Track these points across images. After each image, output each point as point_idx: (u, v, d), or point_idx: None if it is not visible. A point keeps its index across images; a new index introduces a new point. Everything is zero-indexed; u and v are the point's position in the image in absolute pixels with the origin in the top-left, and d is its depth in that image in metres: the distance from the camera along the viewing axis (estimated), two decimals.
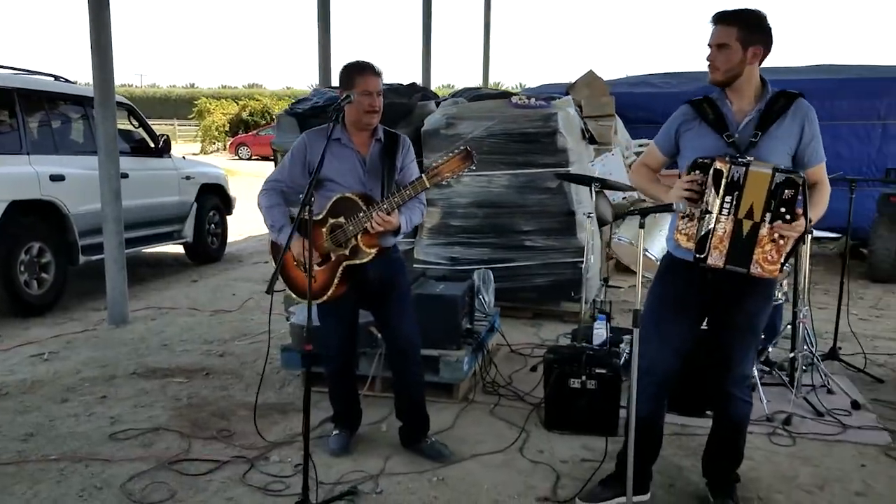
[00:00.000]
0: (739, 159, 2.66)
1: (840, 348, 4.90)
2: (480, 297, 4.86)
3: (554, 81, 11.94)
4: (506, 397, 4.28)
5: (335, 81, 8.71)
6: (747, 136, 2.75)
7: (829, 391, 4.39)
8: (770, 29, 2.77)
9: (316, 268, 3.37)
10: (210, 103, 36.00)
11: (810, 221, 2.66)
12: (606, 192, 6.93)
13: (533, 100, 5.85)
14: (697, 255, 2.74)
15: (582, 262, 5.71)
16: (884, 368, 4.95)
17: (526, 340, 5.41)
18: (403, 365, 3.58)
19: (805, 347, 4.41)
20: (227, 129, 34.31)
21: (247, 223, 10.76)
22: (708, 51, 2.80)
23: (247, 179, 17.03)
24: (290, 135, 6.29)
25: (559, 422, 3.87)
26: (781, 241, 2.62)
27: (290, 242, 3.31)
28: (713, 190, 2.69)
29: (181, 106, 43.10)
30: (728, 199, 2.67)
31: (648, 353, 2.92)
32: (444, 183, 3.16)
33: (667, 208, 2.78)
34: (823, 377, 4.44)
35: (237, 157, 28.75)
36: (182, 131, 36.99)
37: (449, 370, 4.16)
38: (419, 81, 11.33)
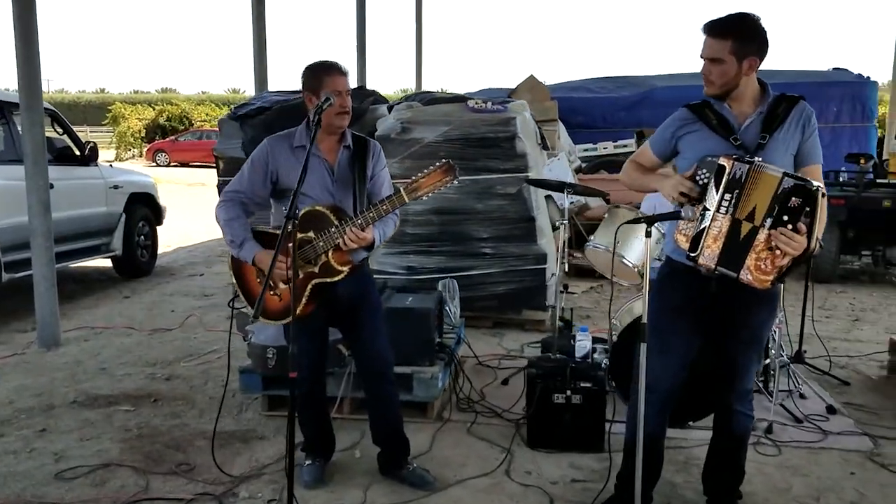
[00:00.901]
0: (745, 157, 2.54)
1: (805, 351, 4.91)
2: (446, 308, 4.65)
3: (493, 86, 11.87)
4: (482, 414, 4.08)
5: (272, 86, 8.44)
6: (752, 138, 2.64)
7: (802, 396, 4.37)
8: (765, 33, 2.65)
9: (282, 286, 3.09)
10: (125, 108, 34.61)
11: (817, 241, 2.54)
12: (555, 197, 6.87)
13: (490, 104, 5.69)
14: (690, 254, 2.61)
15: (543, 268, 5.63)
16: (846, 370, 5.00)
17: (490, 351, 5.23)
18: (378, 385, 3.34)
19: (775, 353, 4.38)
20: (143, 134, 33.01)
21: (174, 233, 10.25)
22: (700, 60, 2.68)
23: (167, 187, 16.31)
24: (233, 140, 5.97)
25: (543, 439, 3.70)
26: (778, 252, 2.49)
27: (256, 258, 3.07)
28: (713, 187, 2.56)
29: (91, 112, 41.34)
30: (727, 196, 2.54)
31: (652, 368, 2.77)
32: (423, 198, 2.90)
33: (675, 215, 2.64)
34: (796, 382, 4.42)
35: (155, 164, 27.67)
36: (94, 138, 35.27)
37: (423, 388, 3.93)
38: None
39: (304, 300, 3.01)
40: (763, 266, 2.49)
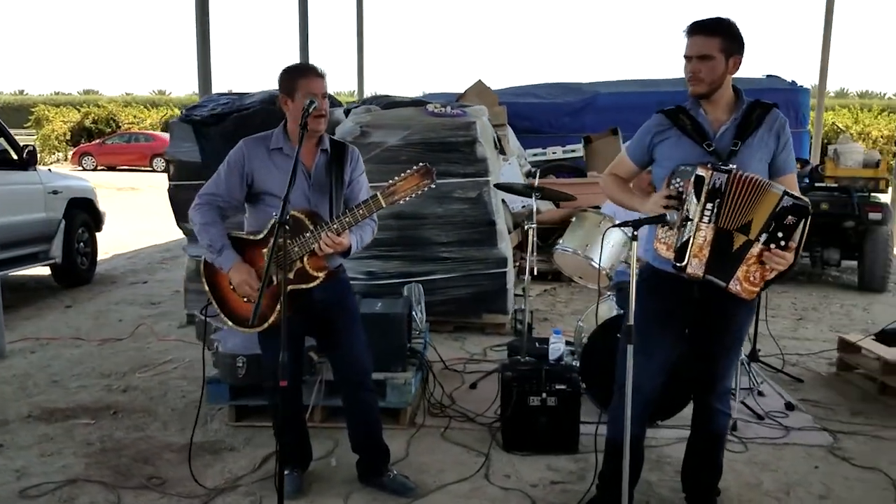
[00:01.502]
0: (722, 166, 2.60)
1: (760, 350, 5.07)
2: (414, 312, 4.62)
3: (439, 91, 11.88)
4: (455, 419, 4.07)
5: (216, 88, 8.23)
6: (726, 144, 2.70)
7: (761, 394, 4.51)
8: (742, 35, 2.74)
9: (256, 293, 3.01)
10: (48, 110, 33.29)
11: (799, 254, 2.63)
12: (507, 200, 6.93)
13: (449, 108, 5.69)
14: (677, 264, 2.65)
15: (504, 271, 5.66)
16: (798, 368, 5.18)
17: (454, 355, 5.22)
18: (357, 393, 3.29)
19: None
20: (68, 137, 31.81)
21: (108, 240, 9.88)
22: (684, 61, 2.73)
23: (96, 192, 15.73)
24: (184, 143, 5.79)
25: (519, 442, 3.71)
26: (768, 267, 2.57)
27: (232, 268, 2.99)
28: (694, 197, 2.61)
29: (9, 113, 39.49)
30: (709, 206, 2.59)
31: (634, 371, 2.81)
32: (401, 203, 2.87)
33: (660, 219, 2.68)
34: (755, 380, 4.56)
35: (81, 168, 26.65)
36: None
37: (396, 394, 3.90)
38: None
39: (278, 307, 2.94)
40: (752, 278, 2.56)
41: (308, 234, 2.86)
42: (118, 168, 27.00)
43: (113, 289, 7.64)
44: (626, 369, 2.70)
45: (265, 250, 2.98)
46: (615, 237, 4.08)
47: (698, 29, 2.67)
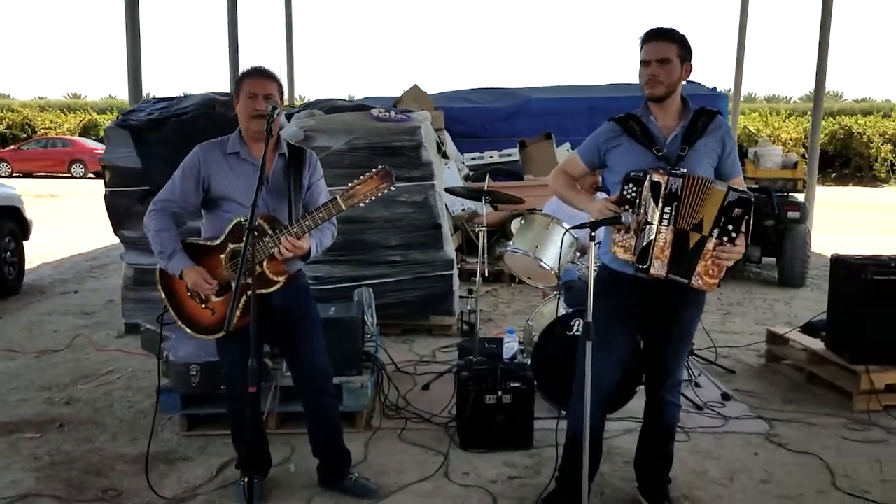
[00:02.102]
0: (674, 171, 2.75)
1: (694, 343, 5.28)
2: (365, 316, 4.64)
3: (376, 95, 11.90)
4: (411, 420, 4.12)
5: (150, 89, 8.06)
6: (675, 149, 2.85)
7: (698, 385, 4.72)
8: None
9: (214, 298, 3.02)
10: None
11: (748, 244, 2.81)
12: (448, 204, 7.03)
13: (393, 113, 5.74)
14: (640, 266, 2.79)
15: (451, 273, 5.74)
16: (729, 360, 5.44)
17: (404, 358, 5.27)
18: (317, 398, 3.30)
19: None
20: None
21: (33, 248, 9.51)
22: (641, 66, 2.87)
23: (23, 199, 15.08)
24: (121, 149, 5.66)
25: (476, 440, 3.79)
26: (724, 256, 2.74)
27: (184, 272, 2.97)
28: (652, 202, 2.75)
29: None
30: (667, 209, 2.75)
31: (593, 365, 2.92)
32: (360, 205, 2.92)
33: (615, 220, 2.80)
34: (692, 372, 4.77)
35: None
36: None
37: (353, 397, 3.93)
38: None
39: (238, 312, 2.94)
40: (711, 272, 2.73)
41: (267, 239, 2.86)
42: (35, 174, 25.90)
43: (43, 299, 7.37)
44: (586, 365, 2.81)
45: (223, 255, 2.98)
46: (563, 238, 4.21)
47: (657, 35, 2.83)
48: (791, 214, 8.15)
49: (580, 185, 3.57)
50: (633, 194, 2.77)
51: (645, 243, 2.76)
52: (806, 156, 11.30)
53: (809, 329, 5.16)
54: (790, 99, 53.65)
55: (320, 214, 2.86)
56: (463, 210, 8.12)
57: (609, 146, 2.96)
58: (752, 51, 12.76)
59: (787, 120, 30.40)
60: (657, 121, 2.91)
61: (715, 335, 6.04)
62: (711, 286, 2.78)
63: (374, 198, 2.86)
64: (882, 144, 27.04)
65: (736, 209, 2.68)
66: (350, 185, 2.85)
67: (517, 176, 9.70)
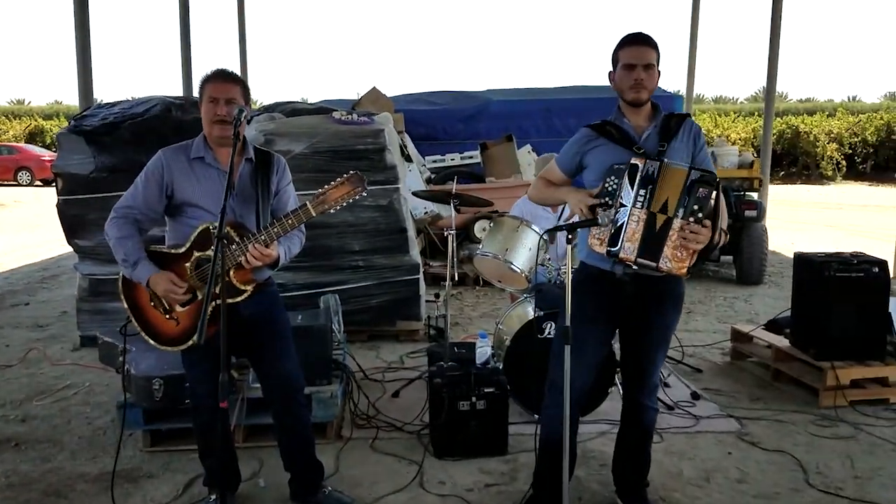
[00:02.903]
0: (653, 156, 2.74)
1: None
2: (332, 324, 4.54)
3: (332, 97, 11.77)
4: (382, 429, 4.04)
5: (99, 94, 7.82)
6: (653, 146, 2.84)
7: (667, 385, 4.73)
8: None
9: (178, 308, 2.91)
10: None
11: (721, 231, 2.79)
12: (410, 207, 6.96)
13: (355, 115, 5.64)
14: (610, 249, 2.75)
15: (417, 278, 5.67)
16: (695, 359, 5.47)
17: (371, 364, 5.19)
18: (288, 410, 3.19)
19: None
20: None
21: None
22: (621, 70, 2.84)
23: None
24: (75, 155, 5.46)
25: (450, 448, 3.73)
26: (691, 236, 2.71)
27: (151, 279, 2.85)
28: (628, 185, 2.74)
29: None
30: (642, 192, 2.73)
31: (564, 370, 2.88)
32: (331, 211, 2.83)
33: (592, 223, 2.77)
34: (663, 373, 4.77)
35: None
36: None
37: (323, 407, 3.83)
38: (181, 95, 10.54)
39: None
40: (679, 254, 2.69)
41: (234, 247, 2.76)
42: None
43: None
44: (564, 369, 2.77)
45: (188, 264, 2.87)
46: (532, 240, 4.18)
47: (643, 40, 2.82)
48: (748, 213, 8.27)
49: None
50: (615, 186, 2.75)
51: (618, 225, 2.74)
52: (756, 155, 11.51)
53: (773, 326, 5.22)
54: (737, 100, 55.02)
55: (289, 221, 2.77)
56: (426, 213, 8.06)
57: (587, 149, 2.94)
58: (699, 53, 13.07)
59: (735, 120, 31.04)
60: (630, 121, 2.90)
61: (679, 334, 6.04)
62: (680, 269, 2.72)
63: (345, 203, 2.78)
64: (828, 143, 27.79)
65: (700, 189, 2.67)
66: (321, 190, 2.76)
67: (479, 178, 9.68)
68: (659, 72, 2.86)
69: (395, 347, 5.69)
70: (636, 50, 2.79)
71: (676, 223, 2.70)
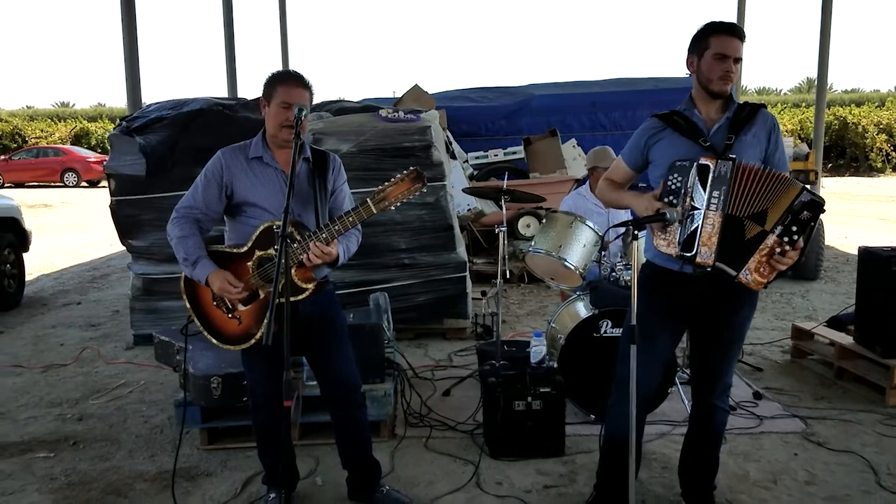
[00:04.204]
0: (725, 156, 2.63)
1: None
2: (383, 322, 4.52)
3: (373, 96, 11.78)
4: (436, 428, 3.99)
5: (146, 97, 7.92)
6: (721, 140, 2.73)
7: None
8: None
9: (240, 307, 2.89)
10: None
11: (805, 252, 2.67)
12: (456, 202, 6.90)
13: (402, 113, 5.61)
14: (685, 254, 2.64)
15: (464, 276, 5.61)
16: (755, 357, 5.32)
17: (420, 363, 5.15)
18: (346, 410, 3.16)
19: None
20: None
21: (31, 260, 9.36)
22: (710, 58, 2.72)
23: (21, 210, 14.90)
24: (126, 157, 5.51)
25: (506, 448, 3.67)
26: (781, 259, 2.59)
27: (209, 277, 2.84)
28: (700, 187, 2.63)
29: None
30: (716, 193, 2.61)
31: (631, 369, 2.80)
32: (391, 209, 2.80)
33: (660, 218, 2.68)
34: None
35: None
36: None
37: (377, 406, 3.80)
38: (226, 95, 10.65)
39: (265, 321, 2.80)
40: (762, 270, 2.56)
41: (296, 245, 2.74)
42: (26, 185, 25.70)
43: (45, 311, 7.21)
44: (630, 369, 2.69)
45: (250, 263, 2.85)
46: (586, 236, 4.09)
47: (735, 31, 2.71)
48: None
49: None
50: (679, 184, 2.65)
51: (691, 229, 2.63)
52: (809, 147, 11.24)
53: (836, 323, 5.06)
54: (781, 91, 53.89)
55: (350, 219, 2.74)
56: (469, 210, 7.99)
57: (652, 142, 2.84)
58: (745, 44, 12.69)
59: (781, 112, 30.39)
60: (701, 113, 2.79)
61: None
62: (760, 285, 2.62)
63: (405, 200, 2.74)
64: (877, 134, 27.03)
65: (805, 212, 2.52)
66: (381, 187, 2.73)
67: (523, 174, 9.59)
68: None
69: (443, 345, 5.65)
70: (730, 41, 2.68)
71: (771, 239, 2.56)
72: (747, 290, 2.76)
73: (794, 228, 2.51)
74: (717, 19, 2.77)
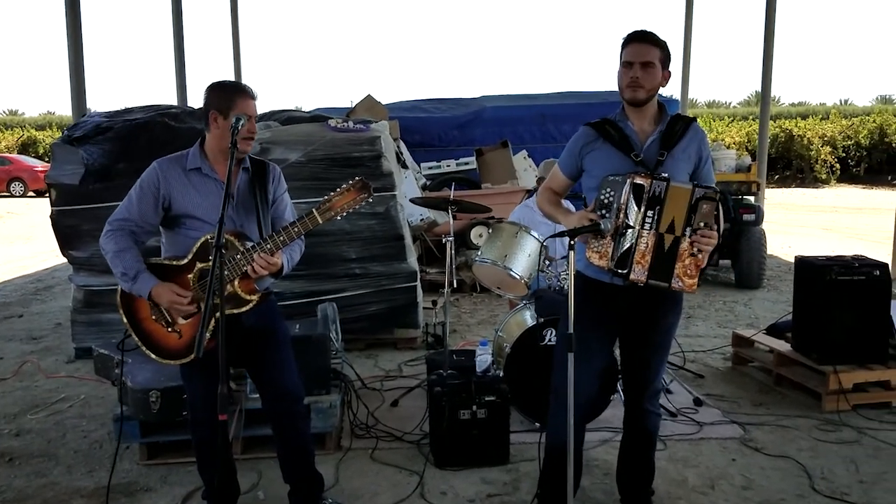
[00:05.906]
0: (657, 175, 2.70)
1: None
2: (330, 332, 4.50)
3: (325, 105, 11.75)
4: (382, 439, 3.99)
5: (93, 104, 7.77)
6: (653, 155, 2.79)
7: (669, 391, 4.69)
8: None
9: (180, 321, 2.85)
10: None
11: (721, 235, 2.77)
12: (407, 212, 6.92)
13: (351, 123, 5.61)
14: (619, 272, 2.71)
15: (414, 285, 5.63)
16: (696, 364, 5.43)
17: (369, 373, 5.13)
18: (289, 422, 3.13)
19: None
20: None
21: None
22: (620, 69, 2.79)
23: None
24: (67, 166, 5.40)
25: (451, 457, 3.68)
26: (700, 255, 2.69)
27: (153, 291, 2.79)
28: (634, 205, 2.69)
29: None
30: (650, 213, 2.68)
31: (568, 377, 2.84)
32: (337, 219, 2.80)
33: (594, 228, 2.73)
34: (665, 379, 4.73)
35: None
36: None
37: (322, 418, 3.78)
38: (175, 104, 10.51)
39: (207, 335, 2.76)
40: (689, 272, 2.67)
41: (238, 256, 2.72)
42: None
43: None
44: (567, 376, 2.72)
45: (191, 275, 2.82)
46: (531, 246, 4.14)
47: (641, 37, 2.76)
48: (746, 217, 8.25)
49: None
50: (611, 198, 2.71)
51: (625, 248, 2.70)
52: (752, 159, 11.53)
53: (774, 331, 5.19)
54: (730, 104, 55.11)
55: (295, 229, 2.73)
56: (422, 220, 8.02)
57: (586, 151, 2.89)
58: (692, 57, 13.04)
59: (729, 125, 31.09)
60: (634, 125, 2.85)
61: (680, 339, 6.02)
62: (691, 286, 2.72)
63: (351, 210, 2.75)
64: (822, 146, 27.84)
65: (704, 205, 2.65)
66: (326, 197, 2.73)
67: (475, 184, 9.65)
68: (669, 73, 2.80)
69: (394, 355, 5.64)
70: (634, 47, 2.74)
71: (685, 242, 2.67)
72: (673, 298, 2.85)
73: (702, 224, 2.64)
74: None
